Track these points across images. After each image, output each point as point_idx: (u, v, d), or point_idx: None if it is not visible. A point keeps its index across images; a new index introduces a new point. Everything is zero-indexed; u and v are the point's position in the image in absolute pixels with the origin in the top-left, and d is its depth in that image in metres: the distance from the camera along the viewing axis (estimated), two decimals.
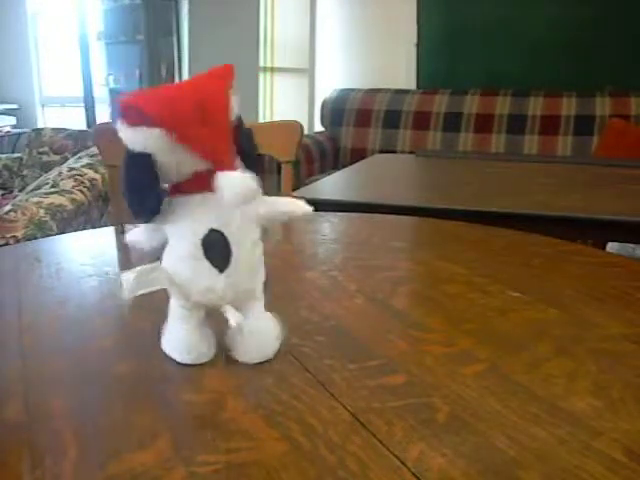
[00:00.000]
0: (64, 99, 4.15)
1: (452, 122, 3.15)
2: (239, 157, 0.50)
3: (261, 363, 0.55)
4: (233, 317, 0.53)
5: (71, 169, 1.83)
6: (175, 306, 0.55)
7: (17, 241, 1.38)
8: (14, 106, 3.96)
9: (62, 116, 4.18)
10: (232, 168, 0.48)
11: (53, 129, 2.95)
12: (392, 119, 3.23)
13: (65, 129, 2.93)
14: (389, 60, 3.58)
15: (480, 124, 3.11)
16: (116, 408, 0.49)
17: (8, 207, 1.54)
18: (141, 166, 0.48)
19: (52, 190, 1.67)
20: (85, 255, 0.93)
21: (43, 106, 4.21)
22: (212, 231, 0.50)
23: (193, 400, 0.49)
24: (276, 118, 3.68)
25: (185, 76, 3.19)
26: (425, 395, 0.50)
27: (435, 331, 0.63)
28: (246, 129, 0.51)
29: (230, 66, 0.49)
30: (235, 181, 0.47)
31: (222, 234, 0.50)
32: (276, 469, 0.40)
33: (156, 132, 0.46)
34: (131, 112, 0.47)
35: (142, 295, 0.52)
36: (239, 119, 0.50)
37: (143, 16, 3.13)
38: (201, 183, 0.49)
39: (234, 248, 0.51)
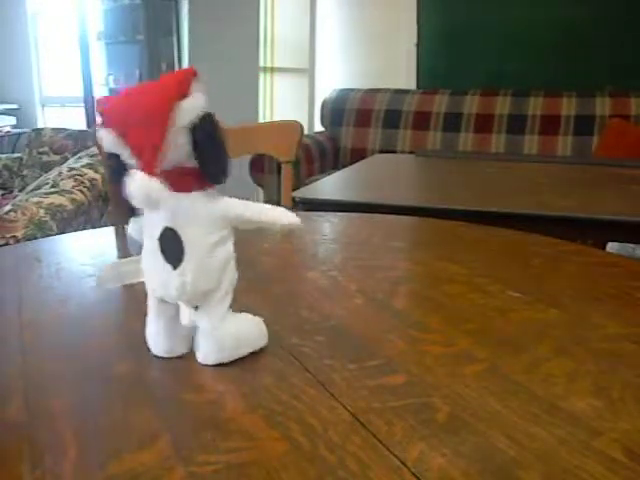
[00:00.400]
0: (64, 99, 4.15)
1: (452, 122, 3.15)
2: (199, 157, 0.51)
3: (261, 363, 0.56)
4: (184, 316, 0.54)
5: (71, 169, 1.83)
6: (149, 297, 0.56)
7: (17, 241, 1.38)
8: (14, 106, 3.96)
9: (62, 116, 4.18)
10: (151, 169, 0.49)
11: (53, 129, 2.95)
12: (392, 119, 3.24)
13: (65, 129, 2.93)
14: (389, 60, 3.59)
15: (480, 124, 3.11)
16: (116, 408, 0.49)
17: (8, 207, 1.54)
18: (112, 164, 0.51)
19: (52, 190, 1.67)
20: (85, 255, 0.93)
21: (43, 106, 4.21)
22: (167, 229, 0.52)
23: (193, 400, 0.49)
24: (276, 118, 3.68)
25: None
26: (425, 395, 0.50)
27: (435, 331, 0.63)
28: (209, 131, 0.51)
29: (189, 70, 0.50)
30: (137, 182, 0.49)
31: (175, 232, 0.52)
32: (276, 469, 0.40)
33: (107, 133, 0.49)
34: (101, 114, 0.50)
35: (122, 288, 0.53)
36: (201, 122, 0.50)
37: (143, 16, 3.12)
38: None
39: (188, 248, 0.52)
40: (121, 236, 1.05)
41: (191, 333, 0.56)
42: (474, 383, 0.51)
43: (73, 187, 1.72)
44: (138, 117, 0.49)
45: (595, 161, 2.36)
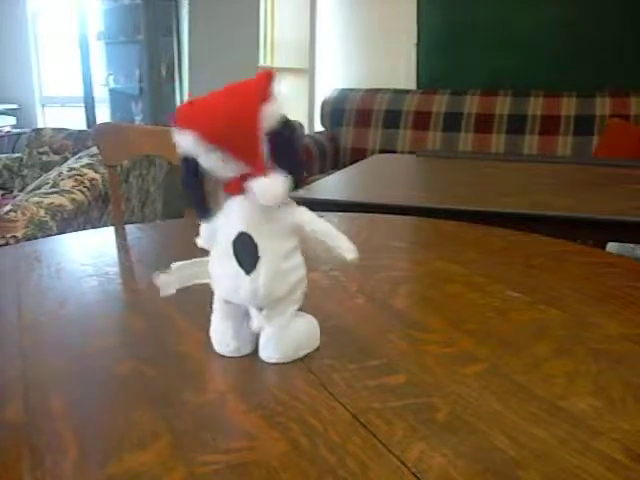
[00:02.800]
0: (64, 99, 4.15)
1: (452, 122, 3.15)
2: (277, 163, 0.51)
3: (261, 363, 0.56)
4: (255, 320, 0.55)
5: (71, 169, 1.83)
6: (216, 299, 0.57)
7: (17, 241, 1.38)
8: (14, 106, 3.95)
9: (62, 116, 4.18)
10: (263, 173, 0.50)
11: (53, 129, 2.95)
12: (392, 119, 3.24)
13: (65, 129, 2.93)
14: (389, 60, 3.59)
15: (480, 124, 3.11)
16: (116, 408, 0.49)
17: (8, 207, 1.54)
18: (188, 168, 0.52)
19: (52, 190, 1.67)
20: (85, 255, 0.93)
21: (43, 106, 4.21)
22: (242, 233, 0.52)
23: (193, 400, 0.49)
24: None
25: (185, 76, 3.19)
26: (425, 395, 0.50)
27: (435, 331, 0.63)
28: (286, 137, 0.51)
29: (268, 73, 0.50)
30: (265, 185, 0.49)
31: (251, 238, 0.52)
32: (276, 469, 0.40)
33: (192, 136, 0.49)
34: (180, 116, 0.50)
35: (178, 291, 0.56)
36: (283, 126, 0.50)
37: (143, 16, 3.12)
38: (237, 186, 0.51)
39: (262, 254, 0.52)
40: (121, 236, 1.05)
41: (256, 334, 0.56)
42: (474, 383, 0.51)
43: (73, 187, 1.72)
44: (235, 126, 0.49)
45: (595, 161, 2.36)
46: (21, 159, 2.95)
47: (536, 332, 0.62)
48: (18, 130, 3.63)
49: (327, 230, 0.54)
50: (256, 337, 0.57)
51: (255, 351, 0.57)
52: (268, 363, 0.55)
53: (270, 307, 0.54)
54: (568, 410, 0.47)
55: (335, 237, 0.54)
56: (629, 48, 3.05)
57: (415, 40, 3.46)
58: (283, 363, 0.55)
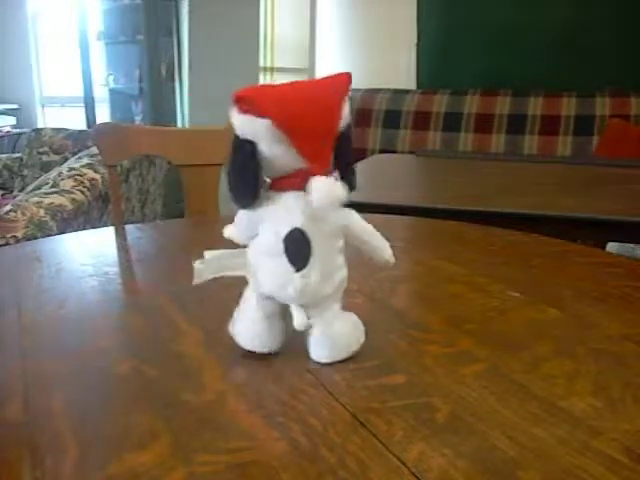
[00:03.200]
0: (64, 99, 4.15)
1: (452, 122, 3.15)
2: (336, 164, 0.51)
3: (261, 363, 0.56)
4: (298, 319, 0.53)
5: (71, 169, 1.83)
6: (249, 294, 0.56)
7: (17, 241, 1.38)
8: (14, 106, 3.95)
9: (62, 116, 4.18)
10: (326, 173, 0.49)
11: (53, 129, 2.95)
12: (392, 119, 3.23)
13: (65, 129, 2.93)
14: (389, 60, 3.58)
15: (480, 124, 3.11)
16: (116, 408, 0.49)
17: (8, 207, 1.54)
18: (246, 152, 0.50)
19: (52, 190, 1.67)
20: (85, 255, 0.93)
21: (43, 106, 4.21)
22: (295, 230, 0.51)
23: (193, 400, 0.49)
24: None
25: (185, 76, 3.19)
26: (425, 395, 0.50)
27: (435, 331, 0.63)
28: (348, 140, 0.51)
29: (348, 75, 0.50)
30: (325, 186, 0.49)
31: (305, 234, 0.51)
32: (276, 469, 0.40)
33: (264, 122, 0.48)
34: (244, 101, 0.49)
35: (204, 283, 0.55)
36: (347, 129, 0.51)
37: (143, 16, 3.12)
38: (295, 182, 0.50)
39: (314, 251, 0.52)
40: (121, 236, 1.05)
41: (284, 331, 0.56)
42: (474, 383, 0.51)
43: (73, 187, 1.72)
44: (315, 120, 0.49)
45: (595, 161, 2.36)
46: (21, 159, 2.95)
47: (536, 332, 0.62)
48: (18, 130, 3.63)
49: (372, 231, 0.55)
50: (285, 337, 0.56)
51: (253, 354, 0.57)
52: (252, 365, 0.55)
53: (314, 305, 0.54)
54: (568, 410, 0.47)
55: (379, 238, 0.55)
56: (629, 48, 3.05)
57: (415, 40, 3.46)
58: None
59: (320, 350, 0.55)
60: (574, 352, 0.58)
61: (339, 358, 0.55)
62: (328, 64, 3.81)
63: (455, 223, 1.08)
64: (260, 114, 0.48)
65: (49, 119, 4.18)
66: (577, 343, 0.60)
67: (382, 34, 3.58)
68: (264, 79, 3.56)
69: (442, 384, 0.51)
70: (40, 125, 3.99)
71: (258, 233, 0.54)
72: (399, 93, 3.30)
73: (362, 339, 0.57)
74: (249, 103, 0.49)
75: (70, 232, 1.35)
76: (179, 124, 3.26)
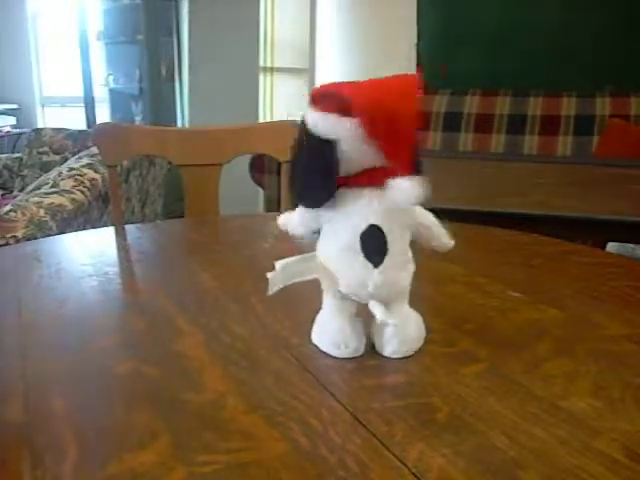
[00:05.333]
0: (64, 99, 4.15)
1: (452, 122, 3.15)
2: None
3: (261, 363, 0.56)
4: (380, 314, 0.53)
5: (71, 169, 1.83)
6: (328, 299, 0.56)
7: (17, 241, 1.38)
8: (14, 106, 3.95)
9: (62, 116, 4.18)
10: (408, 173, 0.49)
11: (53, 129, 2.95)
12: None
13: (65, 129, 2.93)
14: (389, 60, 3.58)
15: (480, 124, 3.11)
16: (116, 408, 0.49)
17: (8, 207, 1.54)
18: (326, 152, 0.50)
19: (52, 190, 1.67)
20: (85, 255, 0.93)
21: (43, 106, 4.21)
22: (372, 226, 0.51)
23: (193, 400, 0.49)
24: (276, 118, 3.68)
25: (185, 76, 3.19)
26: (425, 395, 0.50)
27: (435, 331, 0.63)
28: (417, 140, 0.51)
29: (414, 76, 0.50)
30: (408, 185, 0.49)
31: (381, 231, 0.52)
32: (276, 469, 0.40)
33: (350, 122, 0.48)
34: (328, 99, 0.49)
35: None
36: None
37: (143, 16, 3.12)
38: (372, 179, 0.51)
39: (390, 246, 0.52)
40: (121, 236, 1.05)
41: (365, 330, 0.56)
42: (474, 383, 0.51)
43: (73, 187, 1.72)
44: (401, 122, 0.48)
45: (595, 161, 2.36)
46: (21, 159, 2.95)
47: (536, 332, 0.62)
48: (18, 130, 3.63)
49: (433, 219, 0.57)
50: (366, 336, 0.57)
51: (253, 355, 0.57)
52: (252, 365, 0.55)
53: (390, 301, 0.54)
54: (568, 410, 0.47)
55: (439, 226, 0.57)
56: (629, 48, 3.05)
57: (415, 40, 3.46)
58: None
59: (393, 345, 0.55)
60: (574, 352, 0.58)
61: (408, 354, 0.56)
62: (328, 64, 3.81)
63: (455, 223, 1.08)
64: (347, 113, 0.48)
65: (49, 119, 4.18)
66: (577, 343, 0.60)
67: (382, 34, 3.58)
68: (264, 79, 3.56)
69: (442, 384, 0.51)
70: (40, 125, 3.99)
71: (324, 230, 0.54)
72: None
73: (424, 336, 0.57)
74: (336, 101, 0.48)
75: (70, 232, 1.35)
76: (179, 124, 3.26)
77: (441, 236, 0.57)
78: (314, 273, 0.55)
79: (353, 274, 0.53)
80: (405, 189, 0.49)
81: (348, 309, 0.56)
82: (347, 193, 0.52)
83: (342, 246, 0.53)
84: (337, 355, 0.56)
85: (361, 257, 0.52)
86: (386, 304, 0.54)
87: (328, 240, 0.54)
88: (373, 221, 0.52)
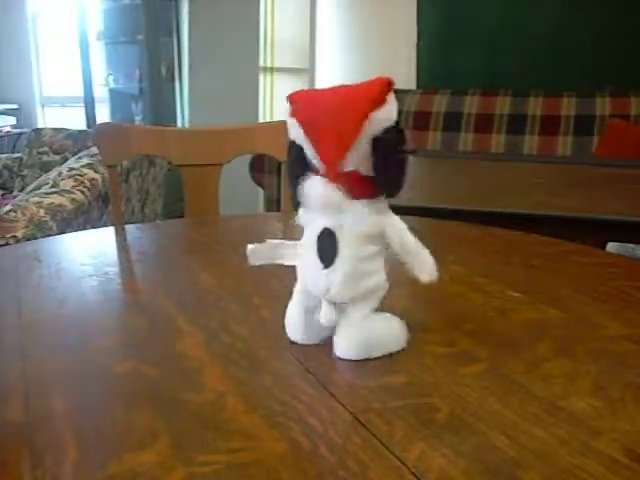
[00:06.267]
0: (64, 99, 4.15)
1: (452, 122, 3.15)
2: (374, 168, 0.52)
3: (261, 363, 0.56)
4: (324, 314, 0.56)
5: (71, 169, 1.83)
6: (296, 288, 0.59)
7: (17, 241, 1.38)
8: (14, 106, 3.95)
9: (62, 116, 4.18)
10: (332, 177, 0.51)
11: (53, 129, 2.95)
12: None
13: (65, 129, 2.93)
14: (389, 60, 3.58)
15: (480, 124, 3.11)
16: (116, 408, 0.49)
17: (8, 207, 1.54)
18: (291, 153, 0.54)
19: (52, 190, 1.67)
20: (85, 255, 0.93)
21: (43, 106, 4.21)
22: (325, 229, 0.54)
23: (193, 400, 0.49)
24: (276, 118, 3.68)
25: (185, 76, 3.19)
26: (425, 395, 0.50)
27: (435, 331, 0.63)
28: (384, 144, 0.52)
29: (384, 80, 0.51)
30: (314, 189, 0.52)
31: (333, 234, 0.53)
32: (276, 469, 0.40)
33: (294, 122, 0.52)
34: (290, 102, 0.53)
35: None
36: (387, 132, 0.51)
37: (143, 16, 3.12)
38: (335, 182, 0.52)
39: (341, 252, 0.53)
40: (121, 236, 1.05)
41: (327, 327, 0.57)
42: (474, 383, 0.51)
43: (73, 187, 1.72)
44: (329, 124, 0.50)
45: (595, 161, 2.36)
46: (21, 159, 2.95)
47: (536, 332, 0.62)
48: (18, 130, 3.63)
49: (408, 245, 0.55)
50: (327, 330, 0.57)
51: (253, 355, 0.57)
52: (252, 365, 0.55)
53: (345, 303, 0.55)
54: (568, 410, 0.47)
55: (413, 254, 0.55)
56: (629, 48, 3.05)
57: (415, 40, 3.46)
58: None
59: (338, 347, 0.56)
60: (574, 352, 0.58)
61: (359, 358, 0.56)
62: (328, 64, 3.81)
63: (455, 223, 1.08)
64: (293, 116, 0.52)
65: (49, 119, 4.18)
66: (577, 343, 0.60)
67: (382, 34, 3.58)
68: (264, 79, 3.56)
69: (442, 384, 0.51)
70: (40, 125, 3.99)
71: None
72: (399, 93, 3.27)
73: (395, 346, 0.57)
74: (290, 105, 0.52)
75: (70, 232, 1.35)
76: (179, 124, 3.26)
77: (412, 267, 0.55)
78: (290, 260, 0.58)
79: (309, 272, 0.56)
80: (313, 193, 0.52)
81: (306, 302, 0.57)
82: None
83: (307, 244, 0.55)
84: (290, 339, 0.59)
85: (315, 257, 0.54)
86: (342, 305, 0.55)
87: (304, 237, 0.57)
88: (327, 224, 0.53)
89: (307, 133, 0.51)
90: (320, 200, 0.52)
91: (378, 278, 0.55)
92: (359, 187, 0.52)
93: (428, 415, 0.47)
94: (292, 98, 0.53)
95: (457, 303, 0.71)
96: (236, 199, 1.78)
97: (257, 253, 0.60)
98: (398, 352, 0.58)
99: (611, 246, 1.90)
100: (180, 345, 0.60)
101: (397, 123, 0.52)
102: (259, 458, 0.42)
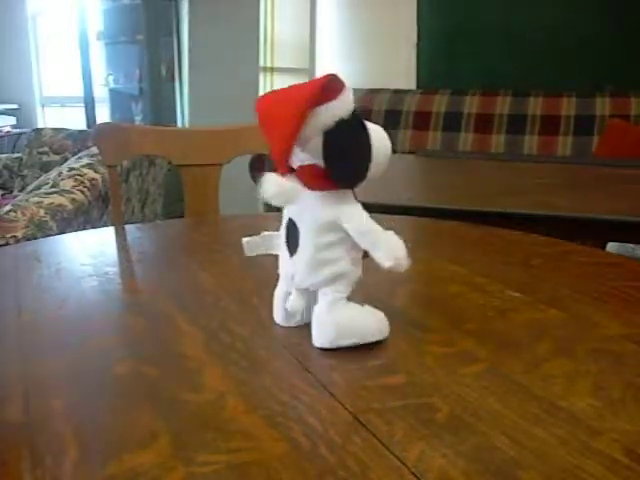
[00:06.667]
0: (64, 99, 4.15)
1: (452, 122, 3.15)
2: (325, 160, 0.53)
3: (261, 363, 0.56)
4: (290, 300, 0.60)
5: (71, 169, 1.83)
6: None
7: (17, 241, 1.38)
8: (14, 106, 3.95)
9: (62, 116, 4.18)
10: (281, 170, 0.55)
11: (53, 129, 2.95)
12: (392, 119, 3.23)
13: (65, 129, 2.93)
14: (389, 60, 3.58)
15: (480, 124, 3.11)
16: (116, 408, 0.49)
17: (8, 207, 1.54)
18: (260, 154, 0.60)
19: (52, 190, 1.67)
20: (85, 255, 0.93)
21: (43, 106, 4.21)
22: (290, 220, 0.58)
23: (193, 400, 0.49)
24: None
25: (185, 76, 3.19)
26: (425, 395, 0.50)
27: (435, 331, 0.63)
28: (337, 139, 0.53)
29: (324, 77, 0.52)
30: (266, 182, 0.54)
31: (295, 225, 0.57)
32: (276, 469, 0.40)
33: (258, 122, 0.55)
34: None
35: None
36: (338, 126, 0.52)
37: (143, 16, 3.12)
38: (300, 175, 0.56)
39: (302, 242, 0.57)
40: (121, 236, 1.05)
41: (303, 311, 0.61)
42: (474, 383, 0.51)
43: (73, 187, 1.72)
44: (275, 119, 0.53)
45: (595, 161, 2.36)
46: (21, 159, 2.95)
47: (536, 332, 0.62)
48: (18, 130, 3.63)
49: (365, 232, 0.55)
50: (301, 315, 0.61)
51: (253, 355, 0.57)
52: (252, 365, 0.55)
53: (310, 292, 0.58)
54: (568, 410, 0.47)
55: (373, 242, 0.55)
56: (629, 48, 3.05)
57: (415, 40, 3.46)
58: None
59: (313, 335, 0.58)
60: (574, 352, 0.58)
61: (324, 346, 0.57)
62: (328, 64, 3.81)
63: (455, 223, 1.08)
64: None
65: (49, 119, 4.18)
66: (577, 343, 0.60)
67: (382, 34, 3.58)
68: (264, 79, 3.56)
69: (442, 384, 0.51)
70: (40, 125, 3.99)
71: None
72: (399, 93, 3.30)
73: (370, 337, 0.58)
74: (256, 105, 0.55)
75: (70, 232, 1.35)
76: (179, 124, 3.26)
77: (374, 255, 0.55)
78: (275, 251, 0.62)
79: (282, 261, 0.61)
80: (265, 186, 0.54)
81: (285, 287, 0.61)
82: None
83: (281, 234, 0.60)
84: (275, 320, 0.63)
85: (285, 246, 0.59)
86: (313, 293, 0.59)
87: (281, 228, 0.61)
88: (291, 215, 0.58)
89: (262, 130, 0.54)
90: (273, 191, 0.54)
91: (342, 265, 0.57)
92: (316, 180, 0.54)
93: (428, 415, 0.47)
94: (257, 100, 0.55)
95: (457, 303, 0.71)
96: (236, 199, 1.78)
97: (252, 244, 0.63)
98: (398, 352, 0.58)
99: (611, 246, 1.90)
100: (180, 345, 0.60)
101: (356, 116, 0.54)
102: (259, 458, 0.42)
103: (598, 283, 0.78)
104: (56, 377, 0.54)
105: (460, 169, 2.00)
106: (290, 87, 0.54)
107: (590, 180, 1.75)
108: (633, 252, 2.05)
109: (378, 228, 0.55)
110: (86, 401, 0.50)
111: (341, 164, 0.54)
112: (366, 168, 0.53)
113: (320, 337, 0.57)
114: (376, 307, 0.59)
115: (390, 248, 0.54)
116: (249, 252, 0.63)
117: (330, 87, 0.52)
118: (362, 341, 0.57)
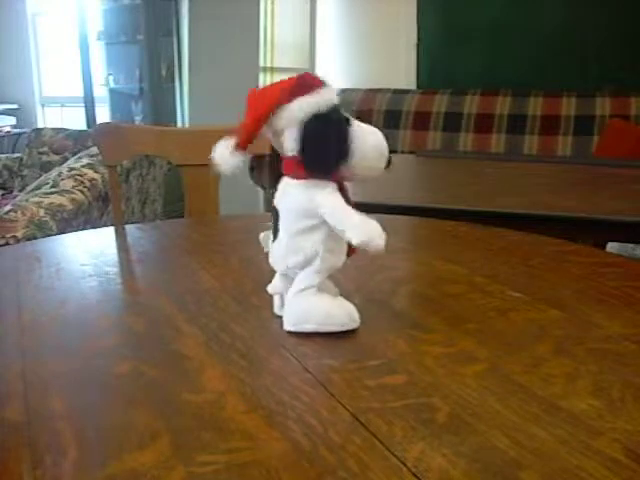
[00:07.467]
0: (64, 99, 4.15)
1: (452, 122, 3.15)
2: (299, 153, 0.57)
3: (261, 363, 0.56)
4: (271, 283, 0.64)
5: (71, 169, 1.83)
6: None
7: (17, 241, 1.38)
8: (14, 106, 3.95)
9: (62, 116, 4.18)
10: (239, 146, 0.59)
11: (53, 129, 2.95)
12: (392, 119, 3.24)
13: (65, 129, 2.93)
14: (389, 60, 3.59)
15: (480, 124, 3.11)
16: (116, 408, 0.49)
17: (8, 207, 1.54)
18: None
19: (52, 190, 1.67)
20: (85, 255, 0.93)
21: (43, 106, 4.21)
22: (273, 207, 0.62)
23: (193, 400, 0.49)
24: None
25: (185, 76, 3.19)
26: (425, 395, 0.50)
27: (435, 331, 0.63)
28: (309, 131, 0.56)
29: (295, 77, 0.57)
30: (217, 148, 0.59)
31: (276, 210, 0.61)
32: (276, 469, 0.40)
33: None
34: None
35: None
36: (312, 120, 0.56)
37: (143, 16, 3.12)
38: (285, 165, 0.60)
39: (280, 226, 0.61)
40: (121, 236, 1.05)
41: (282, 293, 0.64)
42: (474, 383, 0.51)
43: (73, 187, 1.72)
44: (251, 106, 0.57)
45: (595, 161, 2.36)
46: (21, 159, 2.95)
47: (536, 332, 0.62)
48: (18, 130, 3.64)
49: (339, 215, 0.57)
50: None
51: (253, 355, 0.57)
52: (252, 364, 0.56)
53: (289, 276, 0.61)
54: (568, 410, 0.47)
55: (344, 222, 0.57)
56: (629, 48, 3.05)
57: (415, 40, 3.46)
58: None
59: (284, 318, 0.61)
60: (574, 352, 0.58)
61: (292, 329, 0.60)
62: (328, 64, 3.81)
63: (455, 223, 1.08)
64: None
65: (49, 119, 4.19)
66: (577, 343, 0.60)
67: (382, 34, 3.58)
68: (264, 79, 3.56)
69: (442, 384, 0.51)
70: (40, 125, 3.99)
71: None
72: (399, 93, 3.30)
73: (334, 326, 0.60)
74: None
75: (70, 232, 1.35)
76: (179, 124, 3.26)
77: (344, 235, 0.57)
78: None
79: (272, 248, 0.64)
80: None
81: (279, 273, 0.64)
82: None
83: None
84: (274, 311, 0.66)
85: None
86: (287, 277, 0.62)
87: None
88: (275, 203, 0.61)
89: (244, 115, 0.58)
90: (215, 154, 0.59)
91: (314, 251, 0.59)
92: (296, 169, 0.58)
93: (428, 415, 0.47)
94: (249, 91, 0.58)
95: (457, 303, 0.71)
96: (236, 199, 1.78)
97: (269, 238, 0.65)
98: (398, 352, 0.58)
99: (611, 246, 1.90)
100: (180, 345, 0.60)
101: (335, 111, 0.57)
102: (259, 458, 0.42)
103: (598, 283, 0.78)
104: (56, 377, 0.54)
105: (460, 169, 2.00)
106: (272, 83, 0.58)
107: (590, 180, 1.75)
108: (633, 252, 2.05)
109: (353, 212, 0.57)
110: (86, 401, 0.50)
111: (311, 154, 0.57)
112: (337, 160, 0.57)
113: (286, 321, 0.61)
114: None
115: (362, 228, 0.56)
116: (268, 247, 0.65)
117: (303, 84, 0.56)
118: (325, 329, 0.59)
